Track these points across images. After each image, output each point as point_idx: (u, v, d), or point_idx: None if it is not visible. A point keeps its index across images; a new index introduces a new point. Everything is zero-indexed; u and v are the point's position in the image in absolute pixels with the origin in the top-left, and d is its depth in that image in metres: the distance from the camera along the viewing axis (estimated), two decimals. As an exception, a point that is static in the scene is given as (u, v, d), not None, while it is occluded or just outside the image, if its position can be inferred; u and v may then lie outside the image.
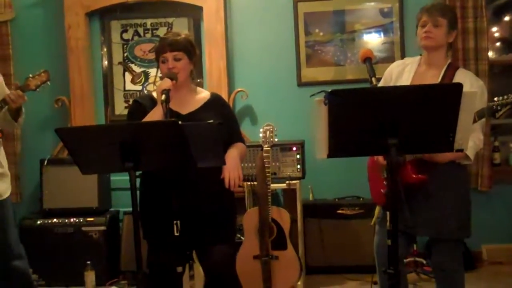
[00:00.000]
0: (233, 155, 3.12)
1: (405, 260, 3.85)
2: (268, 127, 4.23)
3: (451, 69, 3.16)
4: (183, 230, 2.83)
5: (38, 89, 3.54)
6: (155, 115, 2.97)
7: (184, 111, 3.11)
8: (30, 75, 3.53)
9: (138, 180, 2.67)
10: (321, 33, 5.14)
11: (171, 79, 2.98)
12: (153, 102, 3.12)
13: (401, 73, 3.25)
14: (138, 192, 3.07)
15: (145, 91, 5.27)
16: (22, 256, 3.64)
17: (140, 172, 2.75)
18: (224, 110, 3.28)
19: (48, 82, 3.58)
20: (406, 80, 3.20)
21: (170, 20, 5.30)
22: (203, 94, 3.28)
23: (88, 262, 4.71)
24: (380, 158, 3.13)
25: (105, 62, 5.41)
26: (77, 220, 4.86)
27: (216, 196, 3.12)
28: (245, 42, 5.20)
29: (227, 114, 3.29)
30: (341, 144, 2.43)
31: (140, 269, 2.63)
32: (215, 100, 3.27)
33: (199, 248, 3.22)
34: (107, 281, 4.80)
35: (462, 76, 3.09)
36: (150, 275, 3.14)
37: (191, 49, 3.14)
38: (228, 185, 3.06)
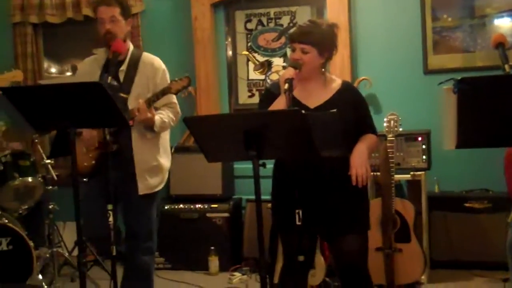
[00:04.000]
0: (361, 150, 2.99)
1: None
2: (392, 116, 4.13)
3: None
4: (307, 220, 2.81)
5: (178, 93, 3.53)
6: (279, 104, 2.97)
7: (312, 104, 3.05)
8: (176, 79, 3.52)
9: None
10: (449, 19, 4.93)
11: (295, 68, 2.96)
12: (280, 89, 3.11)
13: None
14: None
15: (268, 80, 5.32)
16: (150, 251, 3.66)
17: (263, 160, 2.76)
18: (355, 98, 3.14)
19: (189, 88, 3.59)
20: None
21: (293, 9, 5.30)
22: (334, 84, 3.15)
23: (212, 248, 4.85)
24: None
25: (230, 52, 5.50)
26: (202, 207, 5.01)
27: (346, 186, 3.00)
28: (369, 30, 5.10)
29: (358, 102, 3.14)
30: (471, 134, 2.32)
31: (262, 256, 2.65)
32: (345, 90, 3.14)
33: (330, 238, 3.17)
34: (230, 267, 4.91)
35: None
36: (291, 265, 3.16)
37: (325, 43, 3.04)
38: (355, 182, 2.95)
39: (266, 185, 3.01)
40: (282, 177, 3.11)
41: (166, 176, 3.70)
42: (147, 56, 3.65)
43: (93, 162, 3.53)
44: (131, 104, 3.46)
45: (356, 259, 3.11)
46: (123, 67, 3.56)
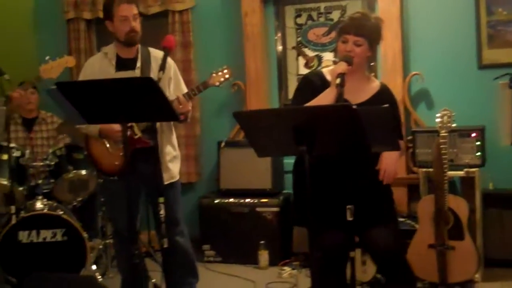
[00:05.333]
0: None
1: None
2: (445, 112, 4.05)
3: None
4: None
5: (220, 85, 3.65)
6: (327, 97, 2.94)
7: (355, 101, 3.05)
8: (214, 72, 3.63)
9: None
10: (505, 12, 4.80)
11: (347, 63, 2.94)
12: (322, 80, 3.10)
13: None
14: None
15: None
16: (184, 234, 3.82)
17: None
18: (391, 102, 3.16)
19: (230, 79, 3.68)
20: None
21: (343, 3, 5.25)
22: (373, 84, 3.21)
23: (262, 242, 4.85)
24: None
25: (279, 47, 5.49)
26: (251, 201, 5.01)
27: (375, 179, 3.09)
28: (421, 23, 5.01)
29: (394, 107, 3.19)
30: (528, 130, 2.26)
31: (313, 251, 2.64)
32: (383, 92, 3.19)
33: (362, 231, 3.16)
34: (279, 261, 4.90)
35: None
36: (320, 260, 3.15)
37: (376, 36, 3.07)
38: (383, 177, 3.06)
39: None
40: (322, 172, 3.08)
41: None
42: (154, 50, 3.74)
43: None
44: None
45: (390, 248, 3.10)
46: (138, 64, 3.66)
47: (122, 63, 3.66)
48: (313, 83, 3.13)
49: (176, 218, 3.74)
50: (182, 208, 3.86)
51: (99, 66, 3.69)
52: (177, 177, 3.80)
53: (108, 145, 3.68)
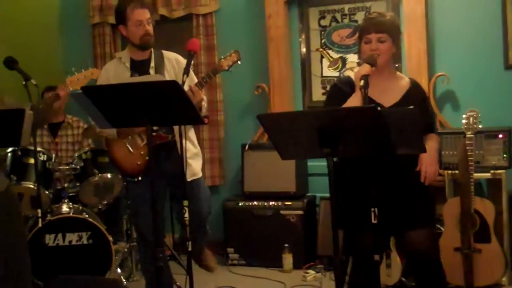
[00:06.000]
0: (432, 148, 3.03)
1: None
2: (471, 113, 4.01)
3: None
4: (381, 218, 2.78)
5: (230, 69, 3.68)
6: (354, 101, 2.95)
7: (387, 103, 3.04)
8: (222, 57, 3.68)
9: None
10: (532, 11, 4.74)
11: (371, 65, 2.93)
12: (351, 86, 3.10)
13: None
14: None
15: (342, 76, 5.25)
16: (208, 220, 4.02)
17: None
18: (423, 97, 3.22)
19: (239, 62, 3.70)
20: None
21: (368, 4, 5.22)
22: (403, 82, 3.20)
23: (286, 245, 4.84)
24: None
25: (303, 49, 5.47)
26: (275, 204, 5.00)
27: (412, 180, 3.06)
28: (446, 23, 4.96)
29: (426, 102, 3.22)
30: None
31: (337, 254, 2.63)
32: (414, 88, 3.20)
33: (399, 234, 3.15)
34: (303, 264, 4.88)
35: None
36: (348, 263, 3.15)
37: (396, 31, 3.10)
38: (424, 179, 3.02)
39: (341, 183, 2.98)
40: (352, 174, 3.07)
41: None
42: (167, 52, 3.82)
43: (146, 158, 3.63)
44: None
45: (427, 251, 3.10)
46: (152, 64, 3.72)
47: (136, 65, 3.73)
48: (342, 91, 3.13)
49: (201, 212, 3.84)
50: (207, 203, 3.96)
51: (114, 71, 3.76)
52: (199, 174, 3.85)
53: (128, 146, 3.71)
